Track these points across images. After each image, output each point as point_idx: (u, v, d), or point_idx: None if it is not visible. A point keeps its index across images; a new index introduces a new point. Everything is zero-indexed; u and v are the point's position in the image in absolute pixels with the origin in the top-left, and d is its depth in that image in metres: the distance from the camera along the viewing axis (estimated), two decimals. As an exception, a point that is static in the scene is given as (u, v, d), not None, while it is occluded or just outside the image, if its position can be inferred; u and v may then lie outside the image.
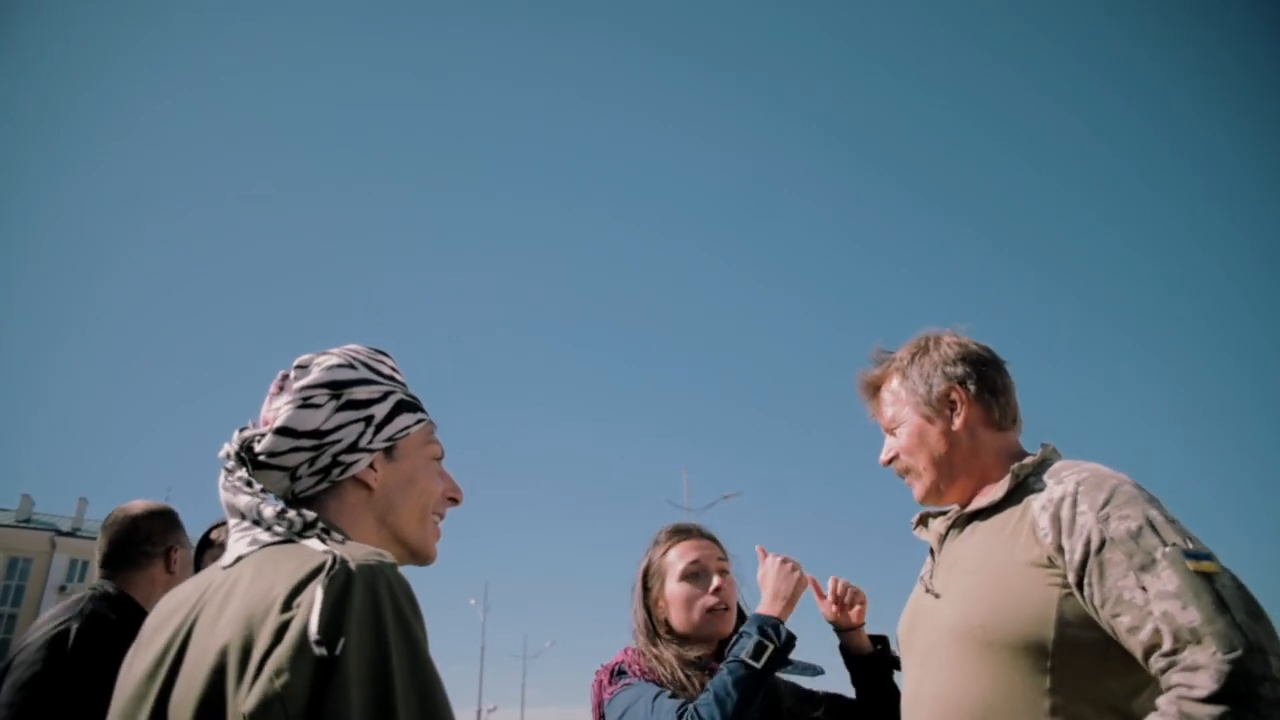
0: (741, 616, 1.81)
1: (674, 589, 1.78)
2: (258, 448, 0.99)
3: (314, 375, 1.04)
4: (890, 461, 1.58)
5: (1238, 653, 1.04)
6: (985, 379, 1.51)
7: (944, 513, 1.54)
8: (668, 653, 1.70)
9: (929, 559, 1.54)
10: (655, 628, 1.77)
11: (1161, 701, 1.09)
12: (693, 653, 1.71)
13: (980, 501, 1.44)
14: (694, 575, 1.78)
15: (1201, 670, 1.04)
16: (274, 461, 0.99)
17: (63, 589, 41.05)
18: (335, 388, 1.03)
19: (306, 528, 0.90)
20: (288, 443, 0.99)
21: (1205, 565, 1.13)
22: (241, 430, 1.02)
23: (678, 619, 1.76)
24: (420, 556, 1.09)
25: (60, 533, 42.95)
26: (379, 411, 1.05)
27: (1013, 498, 1.39)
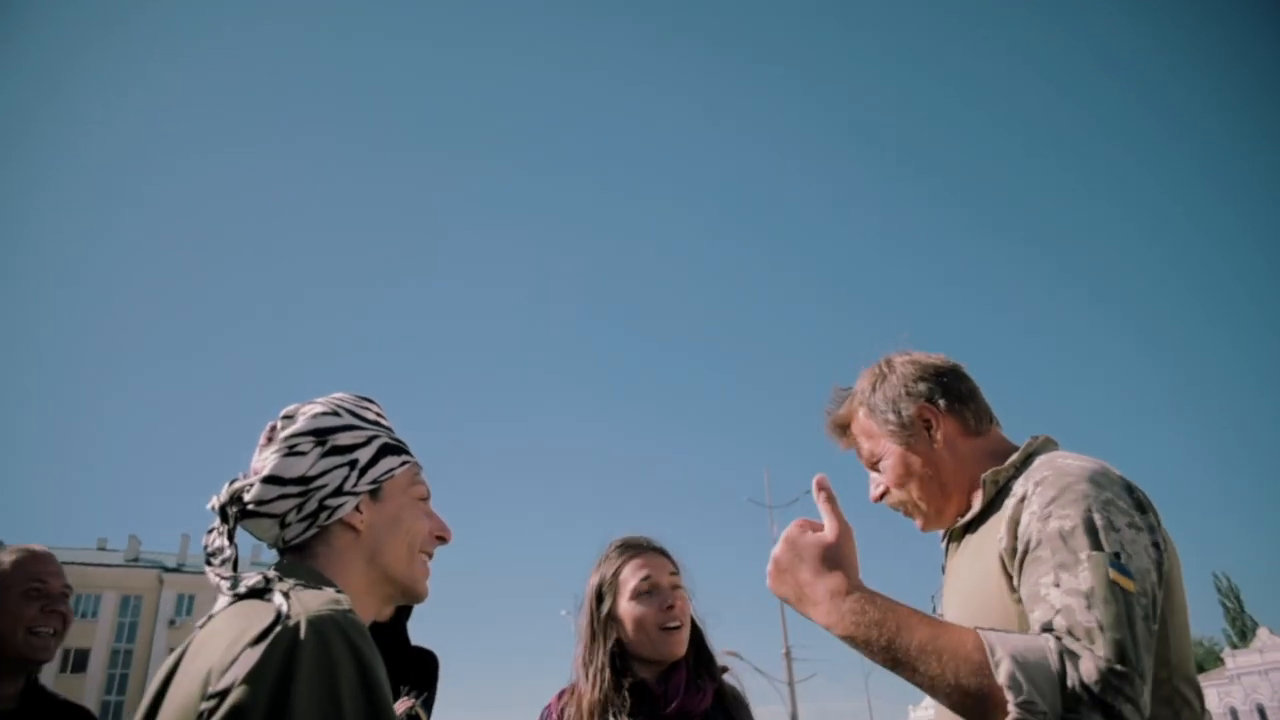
0: (695, 631, 1.79)
1: (626, 608, 1.73)
2: (247, 497, 1.04)
3: (299, 424, 1.08)
4: (882, 497, 1.51)
5: (1120, 667, 1.00)
6: (951, 390, 1.46)
7: None
8: (594, 692, 1.68)
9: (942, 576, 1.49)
10: (604, 646, 1.72)
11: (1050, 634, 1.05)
12: (642, 674, 1.70)
13: (968, 514, 1.39)
14: (647, 593, 1.74)
15: (1084, 659, 1.00)
16: (263, 509, 1.04)
17: (172, 623, 42.33)
18: (319, 435, 1.07)
19: (268, 585, 0.93)
20: (275, 490, 1.03)
21: (1126, 581, 1.08)
22: (231, 482, 1.05)
23: (631, 639, 1.72)
24: (410, 594, 1.12)
25: (166, 569, 44.34)
26: (363, 456, 1.09)
27: (995, 504, 1.32)
